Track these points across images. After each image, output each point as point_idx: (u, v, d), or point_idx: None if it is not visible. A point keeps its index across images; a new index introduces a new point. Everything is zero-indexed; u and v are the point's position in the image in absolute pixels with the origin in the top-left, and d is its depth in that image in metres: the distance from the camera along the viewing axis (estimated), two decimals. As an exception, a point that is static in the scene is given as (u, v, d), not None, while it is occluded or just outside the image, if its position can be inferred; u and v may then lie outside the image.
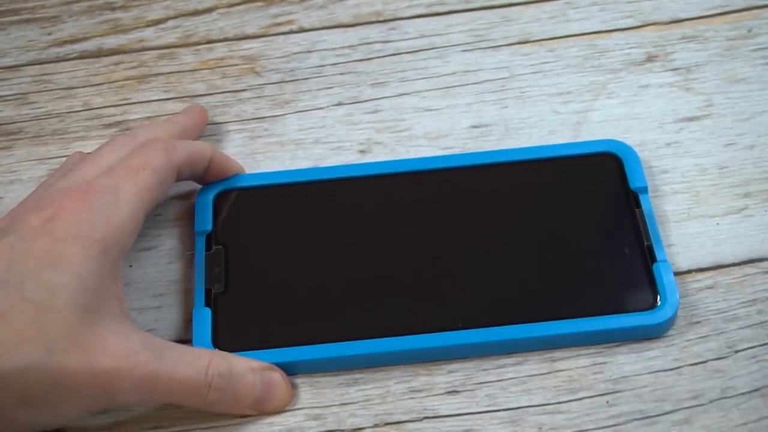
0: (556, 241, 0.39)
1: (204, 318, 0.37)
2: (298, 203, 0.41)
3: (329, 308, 0.38)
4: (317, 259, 0.39)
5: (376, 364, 0.37)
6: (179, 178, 0.38)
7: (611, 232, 0.39)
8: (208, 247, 0.39)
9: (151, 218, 0.41)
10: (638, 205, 0.39)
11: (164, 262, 0.40)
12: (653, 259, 0.38)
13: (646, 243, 0.39)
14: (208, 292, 0.38)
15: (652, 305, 0.37)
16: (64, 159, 0.41)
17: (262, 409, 0.36)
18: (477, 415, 0.36)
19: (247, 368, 0.35)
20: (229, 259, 0.39)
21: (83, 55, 0.45)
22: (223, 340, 0.37)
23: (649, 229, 0.39)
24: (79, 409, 0.32)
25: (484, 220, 0.40)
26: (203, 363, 0.34)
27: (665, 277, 0.38)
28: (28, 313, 0.30)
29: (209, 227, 0.40)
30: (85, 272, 0.32)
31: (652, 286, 0.38)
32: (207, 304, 0.38)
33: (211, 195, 0.41)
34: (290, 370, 0.37)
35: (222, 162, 0.40)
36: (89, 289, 0.32)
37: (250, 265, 0.39)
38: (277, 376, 0.36)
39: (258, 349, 0.37)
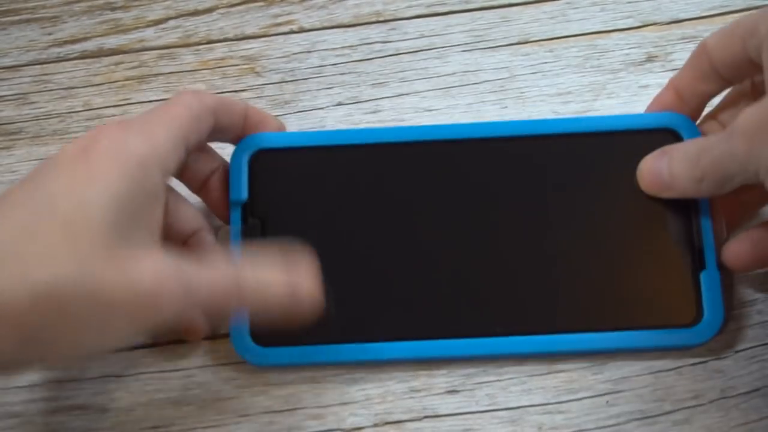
0: (594, 236, 0.36)
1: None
2: (349, 169, 0.38)
3: (375, 299, 0.36)
4: (365, 238, 0.37)
5: (414, 361, 0.36)
6: (217, 131, 0.36)
7: (658, 227, 0.36)
8: (244, 219, 0.37)
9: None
10: (694, 199, 0.36)
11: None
12: (702, 266, 0.35)
13: (696, 245, 0.36)
14: None
15: (693, 321, 0.35)
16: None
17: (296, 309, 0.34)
18: (477, 415, 0.36)
19: (273, 281, 0.33)
20: (268, 233, 0.36)
21: (83, 55, 0.45)
22: (260, 331, 0.36)
23: (703, 230, 0.35)
24: (125, 329, 0.31)
25: (522, 208, 0.37)
26: (233, 278, 0.32)
27: (712, 290, 0.35)
28: (57, 230, 0.29)
29: (245, 196, 0.37)
30: (120, 190, 0.30)
31: (696, 297, 0.35)
32: None
33: (246, 155, 0.37)
34: (330, 364, 0.36)
35: (259, 117, 0.38)
36: (123, 209, 0.30)
37: (290, 241, 0.35)
38: (304, 283, 0.33)
39: (297, 344, 0.35)
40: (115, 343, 0.31)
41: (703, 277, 0.35)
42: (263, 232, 0.37)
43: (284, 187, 0.37)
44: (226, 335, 0.38)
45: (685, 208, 0.36)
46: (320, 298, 0.33)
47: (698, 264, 0.36)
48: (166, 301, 0.30)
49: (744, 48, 0.34)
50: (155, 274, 0.30)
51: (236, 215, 0.37)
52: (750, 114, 0.32)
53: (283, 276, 0.33)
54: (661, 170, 0.35)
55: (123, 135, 0.32)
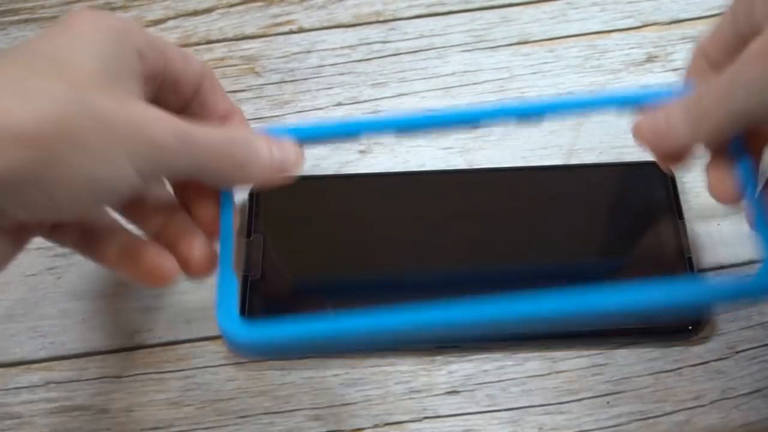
0: (590, 250, 0.38)
1: (230, 283, 0.33)
2: (347, 184, 0.40)
3: (375, 295, 0.37)
4: (358, 249, 0.38)
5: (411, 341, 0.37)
6: (157, 73, 0.34)
7: (651, 239, 0.38)
8: (248, 234, 0.38)
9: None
10: (681, 215, 0.38)
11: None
12: (692, 273, 0.37)
13: (686, 255, 0.37)
14: (244, 277, 0.37)
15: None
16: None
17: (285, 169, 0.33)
18: (477, 415, 0.36)
19: (264, 144, 0.33)
20: (268, 245, 0.38)
21: (83, 55, 0.45)
22: (253, 312, 0.37)
23: (692, 241, 0.38)
24: (126, 162, 0.30)
25: (518, 222, 0.39)
26: (228, 136, 0.32)
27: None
28: (52, 69, 0.30)
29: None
30: (102, 49, 0.32)
31: None
32: (243, 289, 0.37)
33: None
34: (322, 344, 0.35)
35: (216, 93, 0.36)
36: (108, 65, 0.32)
37: (288, 252, 0.38)
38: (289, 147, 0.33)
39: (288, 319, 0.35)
40: (120, 177, 0.30)
41: None
42: (265, 243, 0.38)
43: (285, 202, 0.39)
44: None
45: (674, 225, 0.38)
46: (302, 159, 0.33)
47: (690, 271, 0.37)
48: (163, 140, 0.31)
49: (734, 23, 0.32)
50: (150, 111, 0.31)
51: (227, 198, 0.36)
52: (759, 42, 0.30)
53: (270, 142, 0.33)
54: (657, 119, 0.32)
55: (99, 12, 0.33)
